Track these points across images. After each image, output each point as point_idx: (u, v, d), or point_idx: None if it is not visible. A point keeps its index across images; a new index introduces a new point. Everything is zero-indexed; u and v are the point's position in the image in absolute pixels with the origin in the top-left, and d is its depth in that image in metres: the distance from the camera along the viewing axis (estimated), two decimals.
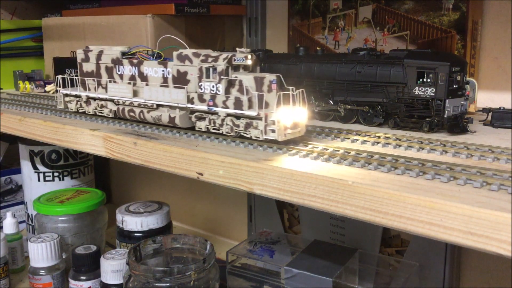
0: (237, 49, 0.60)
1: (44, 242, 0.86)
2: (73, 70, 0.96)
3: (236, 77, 0.57)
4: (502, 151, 0.50)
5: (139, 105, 0.66)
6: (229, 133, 0.57)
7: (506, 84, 0.76)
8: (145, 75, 0.66)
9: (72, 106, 0.76)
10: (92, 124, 0.71)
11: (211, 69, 0.58)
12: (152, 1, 0.94)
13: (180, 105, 0.61)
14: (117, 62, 0.69)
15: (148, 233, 0.87)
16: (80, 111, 0.76)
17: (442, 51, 0.78)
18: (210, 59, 0.58)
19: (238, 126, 0.57)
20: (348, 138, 0.58)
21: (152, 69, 0.65)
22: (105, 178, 1.44)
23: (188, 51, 0.61)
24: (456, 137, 0.58)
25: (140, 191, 1.36)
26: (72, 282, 0.85)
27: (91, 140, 0.66)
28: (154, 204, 0.93)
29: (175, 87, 0.62)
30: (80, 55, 0.73)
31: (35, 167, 1.08)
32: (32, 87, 1.06)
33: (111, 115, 0.71)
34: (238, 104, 0.56)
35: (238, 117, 0.57)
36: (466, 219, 0.37)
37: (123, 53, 0.69)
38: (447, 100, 0.58)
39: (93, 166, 1.16)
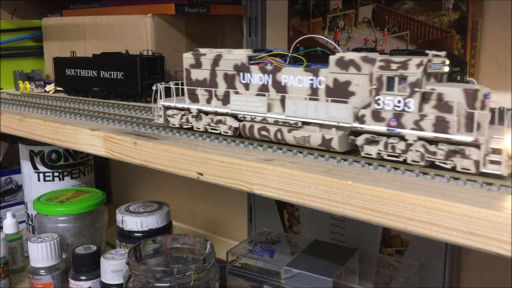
0: (428, 51, 0.47)
1: (44, 242, 0.86)
2: (72, 70, 0.96)
3: (433, 89, 0.44)
4: None
5: (275, 123, 0.53)
6: (418, 162, 0.45)
7: (506, 84, 0.76)
8: (283, 85, 0.54)
9: (175, 121, 0.63)
10: (92, 124, 0.71)
11: (396, 79, 0.45)
12: (152, 1, 0.94)
13: (341, 124, 0.49)
14: (242, 68, 0.57)
15: (148, 233, 0.87)
16: (184, 127, 0.62)
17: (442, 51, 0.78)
18: (394, 66, 0.45)
19: (434, 153, 0.44)
20: None
21: (295, 77, 0.53)
22: (105, 178, 1.44)
23: (354, 55, 0.48)
24: None
25: (140, 191, 1.36)
26: (72, 282, 0.85)
27: (91, 140, 0.66)
28: (154, 204, 0.93)
29: (332, 101, 0.49)
30: (188, 60, 0.61)
31: (35, 167, 1.08)
32: (32, 87, 1.06)
33: (230, 132, 0.58)
34: (440, 125, 0.43)
35: (431, 142, 0.44)
36: (466, 219, 0.37)
37: (250, 58, 0.57)
38: None
39: (93, 166, 1.16)
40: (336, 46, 0.53)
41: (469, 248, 0.37)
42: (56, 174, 1.08)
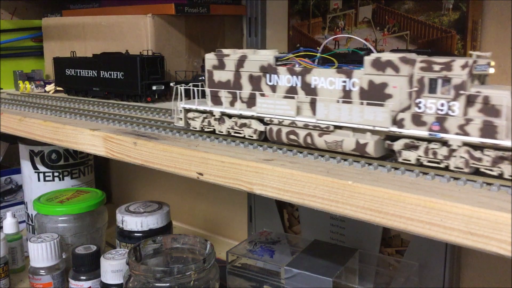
0: (472, 52, 0.45)
1: (44, 242, 0.86)
2: (72, 70, 0.96)
3: (478, 92, 0.42)
4: None
5: (305, 126, 0.51)
6: (462, 168, 0.43)
7: (506, 84, 0.76)
8: (313, 87, 0.51)
9: (197, 124, 0.61)
10: (92, 124, 0.71)
11: (439, 81, 0.43)
12: (152, 1, 0.94)
13: (377, 128, 0.46)
14: (268, 70, 0.54)
15: (148, 233, 0.87)
16: (206, 130, 0.60)
17: (442, 51, 0.78)
18: (437, 67, 0.43)
19: (479, 160, 0.42)
20: None
21: (326, 79, 0.50)
22: (105, 178, 1.44)
23: (391, 56, 0.46)
24: None
25: (140, 191, 1.36)
26: (72, 282, 0.85)
27: (91, 140, 0.66)
28: (154, 204, 0.93)
29: (368, 103, 0.47)
30: (211, 61, 0.59)
31: (35, 167, 1.08)
32: (32, 87, 1.06)
33: (255, 136, 0.56)
34: (488, 130, 0.41)
35: (476, 148, 0.42)
36: (466, 219, 0.37)
37: (277, 59, 0.55)
38: None
39: (93, 166, 1.16)
40: (370, 46, 0.51)
41: (469, 248, 0.37)
42: (56, 174, 1.08)
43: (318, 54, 0.53)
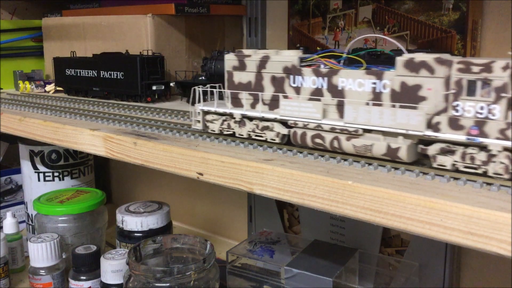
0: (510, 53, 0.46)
1: (44, 242, 0.86)
2: (72, 70, 0.96)
3: None
4: None
5: (332, 130, 0.49)
6: (501, 175, 0.41)
7: None
8: (340, 89, 0.49)
9: (215, 127, 0.59)
10: (92, 124, 0.71)
11: (479, 83, 0.41)
12: (152, 1, 0.94)
13: (410, 132, 0.44)
14: (292, 71, 0.53)
15: (148, 233, 0.87)
16: (225, 133, 0.58)
17: (442, 51, 0.78)
18: (476, 68, 0.41)
19: None
20: None
21: (354, 81, 0.48)
22: (105, 178, 1.44)
23: (426, 56, 0.44)
24: None
25: (140, 191, 1.36)
26: (72, 282, 0.85)
27: (91, 140, 0.66)
28: (154, 204, 0.93)
29: (401, 106, 0.45)
30: (231, 61, 0.57)
31: (35, 167, 1.08)
32: (32, 87, 1.06)
33: (277, 140, 0.54)
34: None
35: None
36: (466, 219, 0.37)
37: (301, 59, 0.53)
38: None
39: (93, 166, 1.16)
40: (401, 46, 0.48)
41: (469, 248, 0.37)
42: (56, 174, 1.08)
43: (344, 55, 0.51)
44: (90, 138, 0.66)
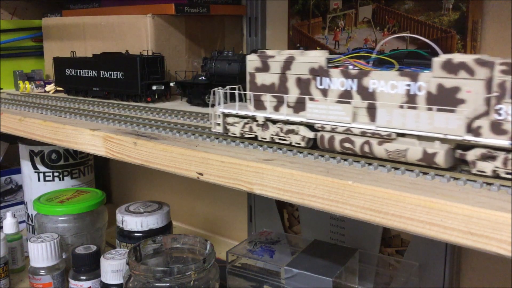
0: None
1: (44, 242, 0.86)
2: (72, 70, 0.96)
3: None
4: None
5: (362, 134, 0.47)
6: None
7: None
8: (371, 91, 0.47)
9: (236, 130, 0.57)
10: (92, 124, 0.71)
11: None
12: (152, 1, 0.94)
13: (449, 137, 0.43)
14: (319, 72, 0.51)
15: (148, 233, 0.87)
16: (246, 136, 0.56)
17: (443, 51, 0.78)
18: None
19: None
20: None
21: (386, 82, 0.46)
22: (105, 178, 1.44)
23: (465, 57, 0.42)
24: None
25: (140, 191, 1.36)
26: (72, 282, 0.85)
27: (91, 140, 0.66)
28: (154, 204, 0.93)
29: (439, 109, 0.43)
30: (253, 62, 0.55)
31: (35, 167, 1.08)
32: (32, 87, 1.06)
33: (302, 144, 0.52)
34: None
35: None
36: (466, 219, 0.37)
37: (329, 60, 0.51)
38: None
39: (93, 166, 1.16)
40: (435, 46, 0.46)
41: (469, 248, 0.37)
42: (56, 174, 1.08)
43: (374, 55, 0.48)
44: (90, 138, 0.66)
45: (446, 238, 0.38)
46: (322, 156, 0.50)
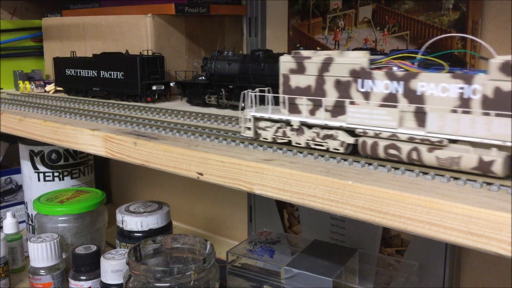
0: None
1: (44, 242, 0.86)
2: (72, 70, 0.96)
3: None
4: None
5: (410, 140, 0.44)
6: None
7: None
8: (419, 94, 0.44)
9: (268, 135, 0.54)
10: (92, 124, 0.71)
11: None
12: (152, 1, 0.94)
13: (508, 144, 0.40)
14: (361, 74, 0.48)
15: (148, 233, 0.87)
16: (279, 141, 0.54)
17: (442, 51, 0.78)
18: None
19: None
20: None
21: (437, 85, 0.43)
22: (105, 178, 1.44)
23: None
24: None
25: (140, 191, 1.36)
26: (72, 282, 0.85)
27: (91, 140, 0.66)
28: (154, 204, 0.93)
29: (497, 115, 0.40)
30: (288, 64, 0.52)
31: (35, 167, 1.08)
32: (32, 87, 1.06)
33: (341, 149, 0.49)
34: None
35: None
36: (466, 219, 0.37)
37: (371, 61, 0.48)
38: None
39: (93, 166, 1.16)
40: (492, 50, 0.44)
41: (469, 248, 0.37)
42: (56, 174, 1.08)
43: (419, 56, 0.46)
44: (90, 138, 0.66)
45: (446, 238, 0.38)
46: (322, 156, 0.50)
